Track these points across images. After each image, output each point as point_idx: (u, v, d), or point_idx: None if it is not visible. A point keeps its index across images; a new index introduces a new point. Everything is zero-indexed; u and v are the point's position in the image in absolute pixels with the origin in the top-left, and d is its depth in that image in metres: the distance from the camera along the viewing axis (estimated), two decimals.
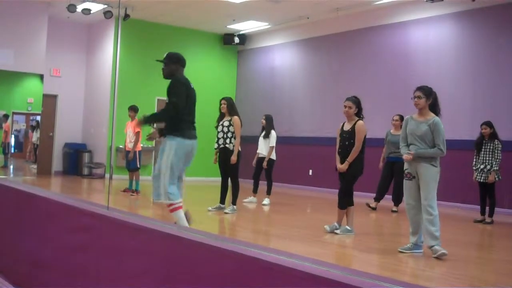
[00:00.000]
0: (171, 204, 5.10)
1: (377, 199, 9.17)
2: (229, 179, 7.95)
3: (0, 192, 5.32)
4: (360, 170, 6.30)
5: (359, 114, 6.37)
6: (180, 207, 5.14)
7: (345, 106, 6.34)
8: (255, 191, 9.38)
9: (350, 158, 6.16)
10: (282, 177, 12.79)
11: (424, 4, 10.37)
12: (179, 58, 5.50)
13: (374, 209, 9.05)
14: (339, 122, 6.61)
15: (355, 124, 6.25)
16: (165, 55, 5.46)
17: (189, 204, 10.30)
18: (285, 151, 12.64)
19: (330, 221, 7.16)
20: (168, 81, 5.45)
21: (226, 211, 7.82)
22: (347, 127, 6.32)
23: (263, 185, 9.35)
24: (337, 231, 6.27)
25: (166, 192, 5.07)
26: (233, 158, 7.71)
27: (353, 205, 6.36)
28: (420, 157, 5.28)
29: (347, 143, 6.24)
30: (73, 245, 3.83)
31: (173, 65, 5.44)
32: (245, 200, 9.25)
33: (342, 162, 6.26)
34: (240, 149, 7.87)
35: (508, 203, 9.20)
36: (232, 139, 7.72)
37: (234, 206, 7.89)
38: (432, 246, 5.19)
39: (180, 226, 4.89)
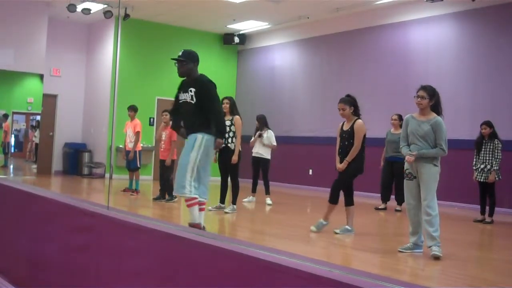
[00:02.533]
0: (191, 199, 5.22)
1: (384, 200, 9.15)
2: (229, 178, 7.95)
3: (0, 192, 5.32)
4: (361, 169, 6.29)
5: (356, 112, 6.34)
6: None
7: (339, 109, 6.32)
8: (254, 190, 9.40)
9: (349, 157, 6.15)
10: (282, 177, 12.80)
11: (424, 4, 10.36)
12: (196, 56, 5.50)
13: (384, 209, 9.03)
14: (339, 122, 6.60)
15: (353, 123, 6.23)
16: (180, 52, 5.43)
17: None
18: (285, 151, 12.65)
19: (330, 220, 7.16)
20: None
21: (226, 210, 7.83)
22: (346, 127, 6.32)
23: (261, 184, 9.39)
24: (337, 231, 6.25)
25: (191, 185, 5.18)
26: (234, 158, 7.71)
27: (353, 204, 6.35)
28: (422, 157, 5.28)
29: (346, 143, 6.23)
30: (73, 245, 3.83)
31: (191, 63, 5.44)
32: (244, 199, 9.27)
33: (341, 162, 6.26)
34: (240, 149, 7.87)
35: (508, 203, 9.19)
36: (234, 138, 7.73)
37: (234, 206, 7.89)
38: (430, 246, 5.19)
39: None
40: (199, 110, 5.33)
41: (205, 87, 5.39)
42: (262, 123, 9.39)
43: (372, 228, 7.73)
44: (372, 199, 10.30)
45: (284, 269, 2.20)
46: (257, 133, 9.30)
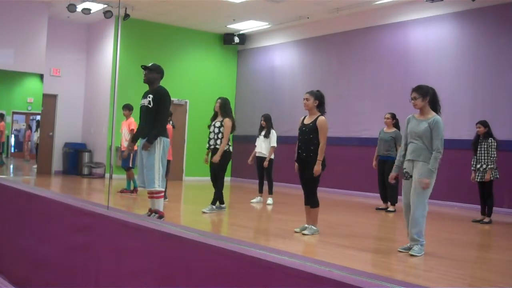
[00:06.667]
0: (160, 191, 6.31)
1: (384, 200, 9.10)
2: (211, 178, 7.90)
3: (0, 192, 5.32)
4: (325, 164, 6.21)
5: (321, 109, 6.26)
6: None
7: (303, 99, 6.26)
8: (260, 191, 9.39)
9: (320, 157, 6.07)
10: (283, 177, 12.80)
11: (424, 4, 10.36)
12: (162, 70, 6.48)
13: (385, 209, 8.97)
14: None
15: (316, 119, 6.16)
16: (150, 64, 6.44)
17: (189, 203, 10.32)
18: (286, 151, 12.66)
19: (330, 220, 7.18)
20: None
21: (204, 210, 7.75)
22: (307, 121, 6.24)
23: (266, 184, 9.39)
24: (305, 232, 6.19)
25: (159, 180, 6.19)
26: (215, 158, 7.61)
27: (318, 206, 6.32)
28: (419, 157, 5.28)
29: (306, 137, 6.17)
30: (73, 245, 3.83)
31: (156, 74, 6.41)
32: (252, 200, 9.28)
33: (301, 156, 6.19)
34: (231, 150, 7.82)
35: (507, 203, 9.19)
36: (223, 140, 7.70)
37: (213, 206, 7.81)
38: (411, 246, 5.27)
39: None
40: (155, 114, 6.22)
41: (162, 95, 6.29)
42: (269, 123, 9.35)
43: (373, 228, 7.73)
44: (372, 199, 10.31)
45: (284, 269, 2.20)
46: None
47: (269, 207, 8.95)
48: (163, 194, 6.39)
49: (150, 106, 6.24)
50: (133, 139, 6.81)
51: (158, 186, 6.20)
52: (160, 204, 6.32)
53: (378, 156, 9.07)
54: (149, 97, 6.28)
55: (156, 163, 6.16)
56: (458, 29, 10.44)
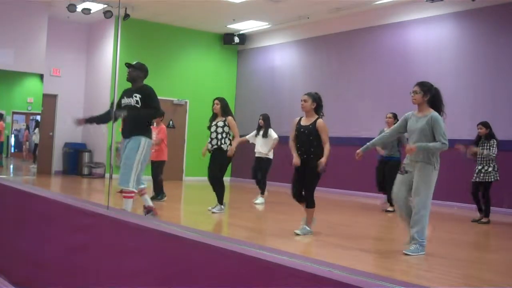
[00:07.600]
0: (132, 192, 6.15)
1: (388, 200, 9.05)
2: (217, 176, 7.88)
3: (0, 192, 5.32)
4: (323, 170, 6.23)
5: (318, 112, 6.27)
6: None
7: (301, 100, 6.27)
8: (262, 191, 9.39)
9: (325, 159, 6.07)
10: (282, 177, 12.79)
11: (424, 4, 10.37)
12: (146, 69, 6.43)
13: (386, 209, 8.90)
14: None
15: (315, 121, 6.16)
16: (134, 63, 6.37)
17: (189, 203, 10.32)
18: (285, 151, 12.66)
19: (330, 220, 7.18)
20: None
21: (214, 210, 7.78)
22: (305, 122, 6.23)
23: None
24: (297, 231, 6.20)
25: (134, 181, 6.07)
26: (230, 153, 7.63)
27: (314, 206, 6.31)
28: (418, 157, 5.27)
29: (305, 139, 6.16)
30: (73, 245, 3.83)
31: (140, 72, 6.33)
32: (254, 201, 9.27)
33: (302, 157, 6.18)
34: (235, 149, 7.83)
35: (507, 203, 9.19)
36: (226, 139, 7.67)
37: (222, 206, 7.84)
38: (410, 245, 5.26)
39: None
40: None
41: (151, 95, 6.16)
42: (267, 123, 9.34)
43: (373, 228, 7.73)
44: (372, 199, 10.31)
45: (284, 269, 2.20)
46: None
47: (259, 206, 8.94)
48: (134, 195, 6.20)
49: (138, 106, 6.11)
50: (90, 120, 6.60)
51: (132, 186, 6.08)
52: (128, 205, 6.16)
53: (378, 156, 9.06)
54: (136, 96, 6.12)
55: (135, 163, 6.04)
56: (458, 29, 10.44)
